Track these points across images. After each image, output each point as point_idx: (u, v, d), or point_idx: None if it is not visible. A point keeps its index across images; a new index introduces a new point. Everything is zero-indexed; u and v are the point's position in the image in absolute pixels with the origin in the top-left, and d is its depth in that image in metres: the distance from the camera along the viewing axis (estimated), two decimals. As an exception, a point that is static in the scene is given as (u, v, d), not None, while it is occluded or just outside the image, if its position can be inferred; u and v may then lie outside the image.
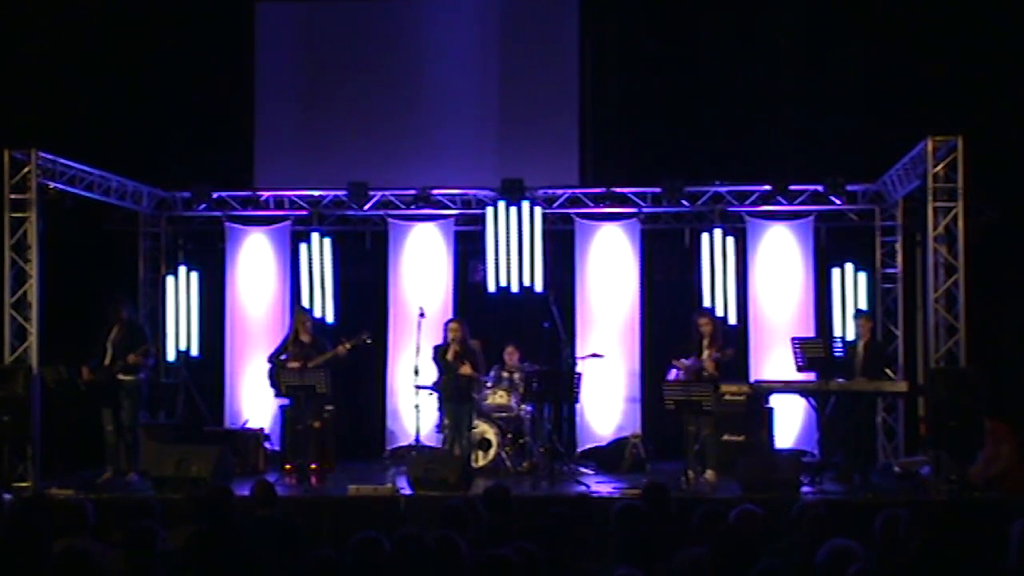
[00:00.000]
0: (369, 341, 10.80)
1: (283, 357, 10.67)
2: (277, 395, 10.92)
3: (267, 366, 10.88)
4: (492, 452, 11.04)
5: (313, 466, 10.28)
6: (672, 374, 10.62)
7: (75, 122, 12.02)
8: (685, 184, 12.01)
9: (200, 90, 12.86)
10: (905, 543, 5.44)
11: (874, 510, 5.92)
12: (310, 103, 12.90)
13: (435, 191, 12.40)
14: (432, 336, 11.15)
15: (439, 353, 10.91)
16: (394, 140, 12.56)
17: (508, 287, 12.22)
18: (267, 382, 10.90)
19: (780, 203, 12.23)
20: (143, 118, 12.65)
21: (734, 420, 10.85)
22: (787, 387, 10.70)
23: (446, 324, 11.09)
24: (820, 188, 11.92)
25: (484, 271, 12.37)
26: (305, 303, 12.17)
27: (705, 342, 10.63)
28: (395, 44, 12.76)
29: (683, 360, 10.59)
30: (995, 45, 11.61)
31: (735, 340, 11.30)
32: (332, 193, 12.51)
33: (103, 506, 7.02)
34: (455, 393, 10.80)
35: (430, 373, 11.11)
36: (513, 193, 12.09)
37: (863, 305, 11.88)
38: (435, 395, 11.18)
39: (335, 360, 10.59)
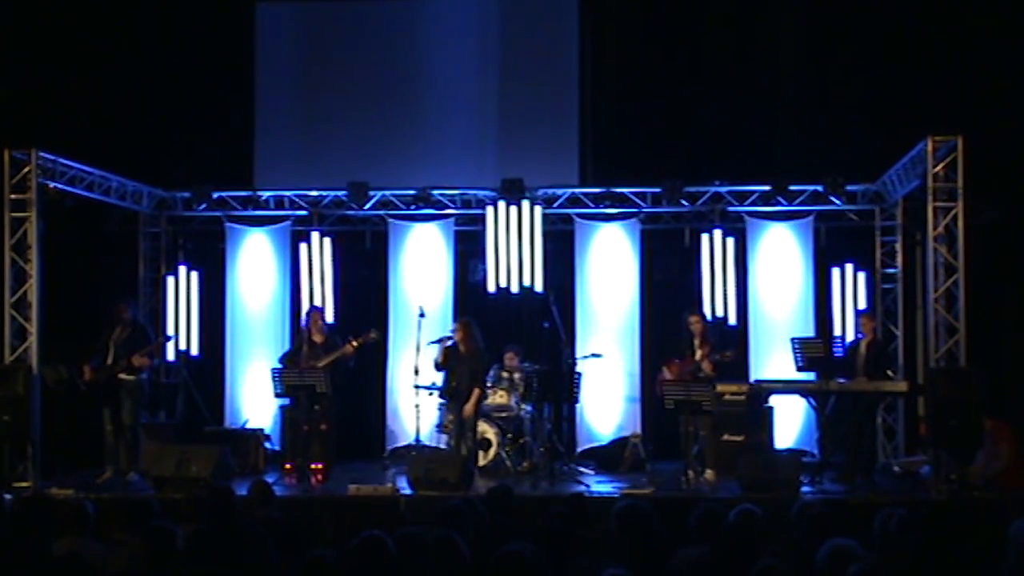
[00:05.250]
0: (374, 336, 10.82)
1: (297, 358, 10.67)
2: (278, 395, 10.90)
3: (274, 367, 10.77)
4: (492, 452, 11.04)
5: (313, 466, 10.29)
6: (663, 375, 10.67)
7: (75, 122, 12.03)
8: (685, 184, 12.02)
9: (200, 90, 12.85)
10: (904, 543, 5.43)
11: (874, 510, 5.91)
12: (310, 103, 12.90)
13: (435, 191, 12.40)
14: (432, 336, 11.12)
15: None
16: (394, 140, 12.56)
17: (508, 287, 12.20)
18: (270, 384, 10.85)
19: (780, 203, 12.23)
20: (143, 118, 12.66)
21: (734, 420, 10.86)
22: (787, 387, 10.70)
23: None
24: (820, 188, 11.92)
25: (484, 271, 12.36)
26: (305, 303, 12.15)
27: (696, 341, 10.68)
28: (395, 44, 12.76)
29: (675, 361, 10.62)
30: (995, 45, 11.62)
31: (735, 341, 11.32)
32: (332, 193, 12.51)
33: (103, 506, 7.01)
34: (456, 394, 10.80)
35: (430, 373, 11.10)
36: (513, 193, 12.08)
37: (862, 305, 11.89)
38: (435, 394, 11.20)
39: (342, 359, 10.61)
